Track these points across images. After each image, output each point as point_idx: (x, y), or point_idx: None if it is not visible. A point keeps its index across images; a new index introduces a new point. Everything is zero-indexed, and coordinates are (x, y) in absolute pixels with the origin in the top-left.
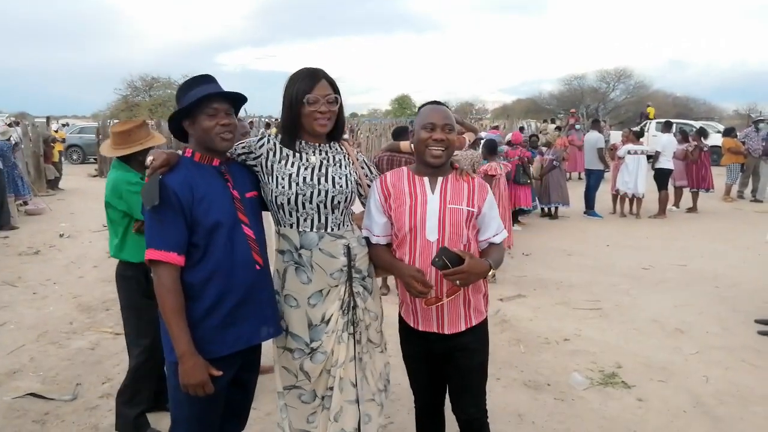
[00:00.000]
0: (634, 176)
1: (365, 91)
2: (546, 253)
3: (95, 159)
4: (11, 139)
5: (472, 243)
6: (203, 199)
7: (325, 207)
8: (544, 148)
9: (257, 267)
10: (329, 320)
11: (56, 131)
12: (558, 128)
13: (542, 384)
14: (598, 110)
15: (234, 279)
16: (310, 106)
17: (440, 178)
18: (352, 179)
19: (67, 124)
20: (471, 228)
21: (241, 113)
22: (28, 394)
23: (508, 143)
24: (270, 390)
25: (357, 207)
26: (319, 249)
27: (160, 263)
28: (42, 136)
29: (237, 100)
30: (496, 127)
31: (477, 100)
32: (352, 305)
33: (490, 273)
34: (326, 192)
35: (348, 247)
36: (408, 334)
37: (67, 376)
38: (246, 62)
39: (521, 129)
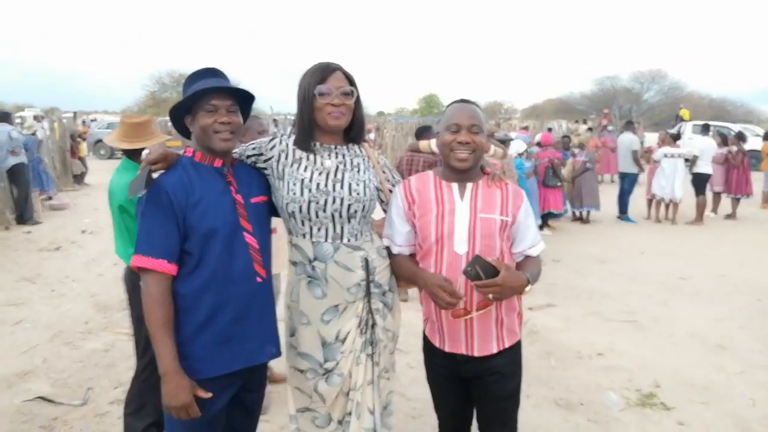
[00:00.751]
0: (671, 180)
1: (392, 90)
2: (577, 259)
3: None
4: (36, 133)
5: (505, 256)
6: (199, 203)
7: (341, 216)
8: (576, 150)
9: (258, 279)
10: (345, 339)
11: (80, 125)
12: (590, 129)
13: (575, 403)
14: (632, 111)
15: (231, 291)
16: (322, 98)
17: (470, 184)
18: (372, 185)
19: (95, 120)
20: (505, 239)
21: (266, 110)
22: (37, 398)
23: (538, 144)
24: (284, 401)
25: (378, 213)
26: (335, 261)
27: (147, 271)
28: (69, 131)
29: (245, 96)
30: (526, 128)
31: (506, 99)
32: (371, 323)
33: (526, 288)
34: (341, 200)
35: (366, 260)
36: (433, 356)
37: (78, 379)
38: (275, 57)
39: (550, 130)
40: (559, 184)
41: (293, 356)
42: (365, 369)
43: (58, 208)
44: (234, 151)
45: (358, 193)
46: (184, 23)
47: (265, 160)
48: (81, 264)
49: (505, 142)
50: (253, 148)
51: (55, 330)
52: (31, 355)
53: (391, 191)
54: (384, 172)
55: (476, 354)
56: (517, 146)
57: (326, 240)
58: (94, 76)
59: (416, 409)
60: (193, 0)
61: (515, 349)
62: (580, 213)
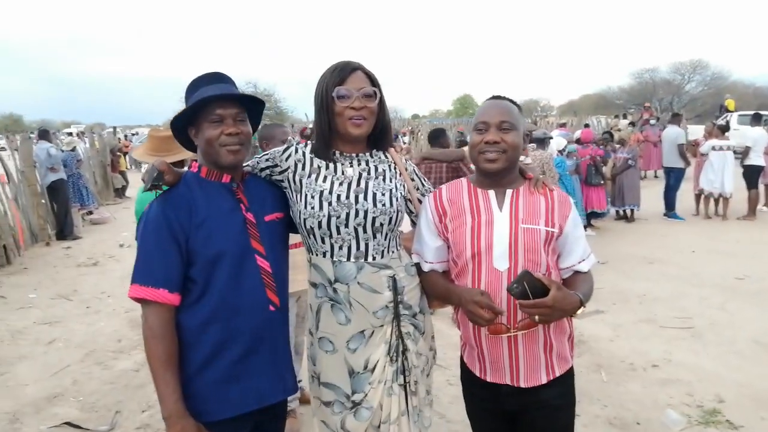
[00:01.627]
0: (720, 174)
1: (427, 92)
2: (624, 260)
3: None
4: (76, 149)
5: (552, 272)
6: (204, 224)
7: (365, 231)
8: (617, 146)
9: (271, 308)
10: (374, 368)
11: (120, 140)
12: (631, 123)
13: (630, 422)
14: (672, 103)
15: (239, 323)
16: (341, 102)
17: (509, 191)
18: (399, 194)
19: (136, 134)
20: (550, 253)
21: (302, 117)
22: (64, 423)
23: (577, 141)
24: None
25: (405, 225)
26: (358, 283)
27: (147, 302)
28: (109, 145)
29: (253, 103)
30: (563, 125)
31: (542, 97)
32: (401, 349)
33: (579, 311)
34: (365, 212)
35: (394, 279)
36: (472, 385)
37: (107, 402)
38: (313, 66)
39: (587, 126)
40: (602, 182)
41: (316, 387)
42: (399, 400)
43: (98, 222)
44: (246, 164)
45: (384, 204)
46: (224, 38)
47: (281, 172)
48: (117, 279)
49: (543, 141)
50: (267, 160)
51: (87, 349)
52: (61, 376)
53: (420, 201)
54: (413, 179)
55: (522, 385)
56: (557, 144)
57: (349, 259)
58: (139, 90)
59: None
60: (230, 16)
61: (568, 378)
62: (624, 211)
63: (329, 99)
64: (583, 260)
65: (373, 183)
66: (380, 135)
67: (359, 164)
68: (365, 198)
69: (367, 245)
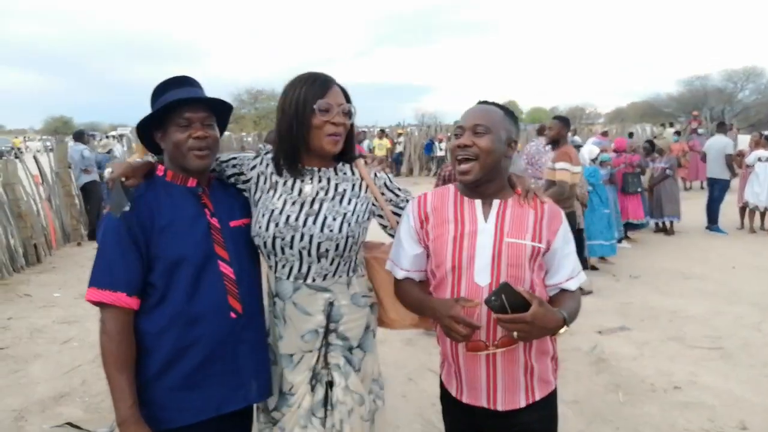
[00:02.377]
0: (766, 186)
1: (468, 98)
2: (658, 275)
3: None
4: (112, 152)
5: (537, 289)
6: (167, 229)
7: (309, 255)
8: (656, 155)
9: (233, 315)
10: (296, 392)
11: None
12: (677, 133)
13: None
14: (724, 112)
15: (199, 330)
16: (322, 115)
17: (496, 201)
18: (354, 219)
19: None
20: (536, 269)
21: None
22: (65, 424)
23: (615, 151)
24: None
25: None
26: (293, 303)
27: (104, 306)
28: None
29: (221, 108)
30: (605, 133)
31: (589, 104)
32: (326, 380)
33: (561, 330)
34: (311, 237)
35: (331, 304)
36: (449, 406)
37: (111, 403)
38: (347, 73)
39: (631, 135)
40: (639, 189)
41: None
42: None
43: None
44: (213, 167)
45: (331, 230)
46: (263, 40)
47: (245, 182)
48: None
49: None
50: (234, 165)
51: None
52: (72, 376)
53: (396, 213)
54: (383, 193)
55: (500, 408)
56: (588, 152)
57: (288, 277)
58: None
59: None
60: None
61: (549, 402)
62: (663, 223)
63: (308, 111)
64: (572, 278)
65: (328, 205)
66: (347, 147)
67: (319, 181)
68: (314, 222)
69: (309, 267)
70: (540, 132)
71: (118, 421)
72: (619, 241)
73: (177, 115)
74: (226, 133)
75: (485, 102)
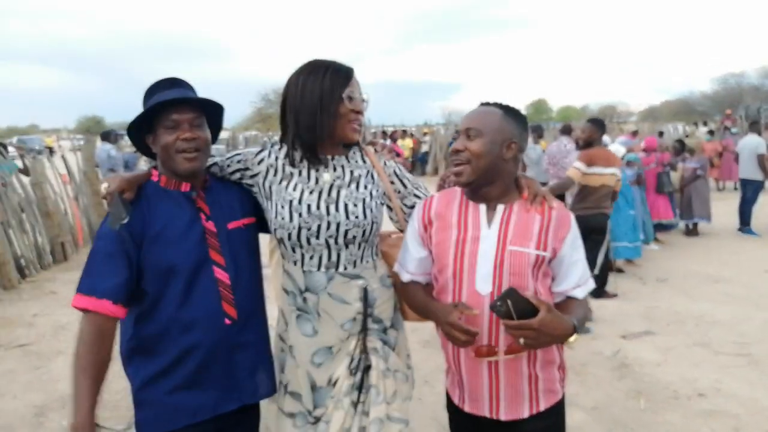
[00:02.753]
0: None
1: (498, 95)
2: (686, 278)
3: None
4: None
5: (542, 298)
6: (159, 237)
7: (336, 243)
8: (686, 155)
9: (227, 321)
10: (336, 382)
11: None
12: (710, 132)
13: None
14: (760, 111)
15: (194, 336)
16: (350, 104)
17: (500, 206)
18: (374, 204)
19: None
20: (540, 277)
21: (365, 121)
22: None
23: (644, 150)
24: None
25: (391, 226)
26: (329, 293)
27: (87, 311)
28: None
29: (212, 108)
30: (635, 133)
31: (620, 102)
32: (362, 366)
33: (571, 338)
34: (338, 225)
35: (365, 290)
36: (454, 414)
37: (129, 402)
38: (379, 71)
39: (660, 134)
40: (669, 190)
41: (282, 395)
42: (345, 416)
43: None
44: (215, 162)
45: (356, 216)
46: (290, 39)
47: (252, 176)
48: None
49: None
50: (239, 161)
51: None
52: None
53: (403, 207)
54: (393, 182)
55: (502, 418)
56: (616, 151)
57: (319, 269)
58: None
59: None
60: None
61: (555, 411)
62: (693, 225)
63: (335, 100)
64: (579, 286)
65: (346, 192)
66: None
67: (335, 170)
68: (336, 209)
69: (338, 255)
70: (564, 131)
71: (73, 425)
72: (647, 243)
73: (164, 116)
74: (253, 132)
75: (486, 103)
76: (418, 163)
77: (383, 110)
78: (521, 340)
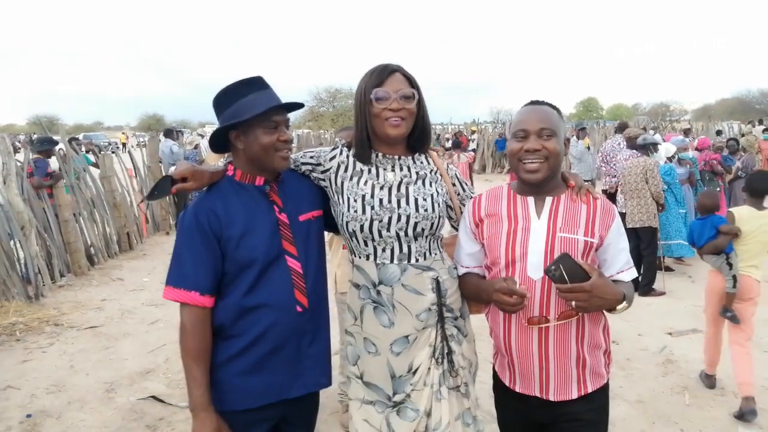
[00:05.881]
0: None
1: (547, 94)
2: None
3: None
4: (198, 147)
5: None
6: (235, 229)
7: (406, 235)
8: (742, 154)
9: (298, 309)
10: (416, 370)
11: None
12: (766, 130)
13: None
14: None
15: (266, 322)
16: (378, 104)
17: (549, 198)
18: (440, 200)
19: None
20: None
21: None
22: (150, 397)
23: (697, 149)
24: None
25: (445, 229)
26: (402, 285)
27: (181, 303)
28: None
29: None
30: (688, 131)
31: (674, 100)
32: (446, 351)
33: (619, 306)
34: (408, 217)
35: (437, 281)
36: (503, 395)
37: None
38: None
39: (719, 132)
40: (717, 189)
41: (358, 387)
42: (450, 404)
43: None
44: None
45: (426, 209)
46: (341, 39)
47: (323, 171)
48: None
49: (645, 147)
50: (311, 157)
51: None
52: (157, 354)
53: (462, 207)
54: (454, 184)
55: (552, 398)
56: (665, 151)
57: (392, 261)
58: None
59: None
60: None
61: (601, 395)
62: None
63: (367, 101)
64: (623, 271)
65: (414, 188)
66: (419, 136)
67: (401, 169)
68: (407, 203)
69: (409, 247)
70: (620, 129)
71: (190, 406)
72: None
73: (265, 117)
74: (305, 130)
75: (538, 102)
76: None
77: (432, 109)
78: (573, 303)
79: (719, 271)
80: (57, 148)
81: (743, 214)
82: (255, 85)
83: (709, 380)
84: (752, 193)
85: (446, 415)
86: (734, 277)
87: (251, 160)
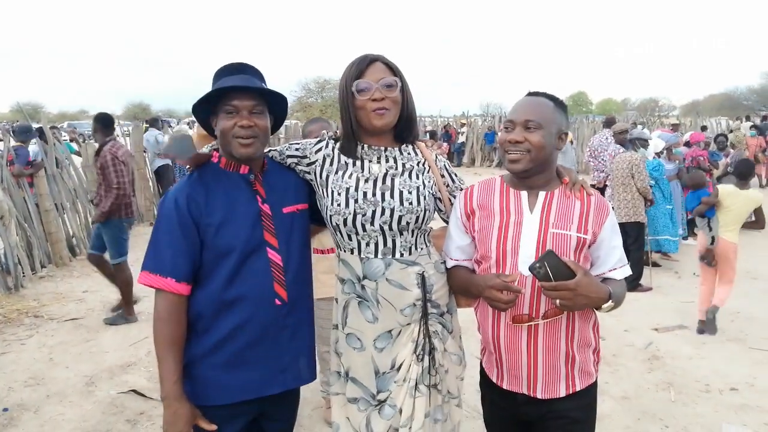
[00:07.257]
0: None
1: (538, 87)
2: None
3: None
4: None
5: None
6: (217, 218)
7: (391, 229)
8: (730, 150)
9: (277, 302)
10: (400, 367)
11: None
12: (755, 127)
13: None
14: None
15: (244, 314)
16: (361, 95)
17: (542, 193)
18: (427, 192)
19: None
20: (582, 260)
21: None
22: (130, 390)
23: (687, 144)
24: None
25: (435, 222)
26: (387, 279)
27: (156, 289)
28: None
29: (275, 97)
30: (676, 126)
31: (663, 96)
32: (428, 348)
33: (605, 305)
34: (392, 211)
35: (423, 276)
36: (489, 392)
37: None
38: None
39: (703, 128)
40: (685, 185)
41: (343, 383)
42: (426, 402)
43: None
44: (273, 149)
45: (410, 203)
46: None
47: (308, 164)
48: None
49: (633, 142)
50: (297, 149)
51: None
52: (138, 347)
53: (451, 198)
54: (443, 175)
55: (539, 396)
56: (654, 146)
57: (376, 255)
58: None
59: None
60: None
61: (589, 393)
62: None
63: (350, 94)
64: (616, 269)
65: (400, 180)
66: (405, 126)
67: (387, 161)
68: (391, 196)
69: (394, 242)
70: (607, 124)
71: (162, 395)
72: (685, 238)
73: (226, 101)
74: (294, 121)
75: (536, 93)
76: (454, 154)
77: (421, 101)
78: (558, 302)
79: (702, 232)
80: (31, 138)
81: (727, 190)
82: (237, 69)
83: (707, 324)
84: (739, 176)
85: (420, 412)
86: (713, 238)
87: (221, 147)
